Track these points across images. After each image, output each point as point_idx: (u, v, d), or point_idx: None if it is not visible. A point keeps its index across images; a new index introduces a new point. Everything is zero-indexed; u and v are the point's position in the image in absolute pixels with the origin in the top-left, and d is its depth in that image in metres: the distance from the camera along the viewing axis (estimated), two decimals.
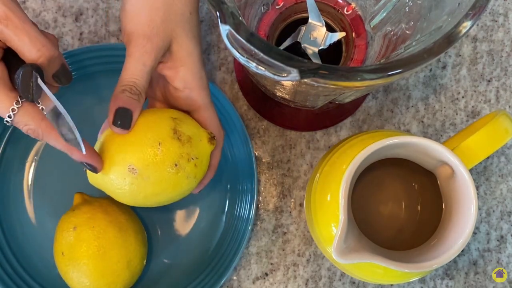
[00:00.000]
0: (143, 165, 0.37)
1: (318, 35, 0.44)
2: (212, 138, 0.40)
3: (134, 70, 0.37)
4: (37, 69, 0.34)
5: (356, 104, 0.52)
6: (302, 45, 0.44)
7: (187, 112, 0.42)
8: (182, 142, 0.37)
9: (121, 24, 0.39)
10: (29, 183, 0.50)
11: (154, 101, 0.44)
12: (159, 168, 0.37)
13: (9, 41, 0.33)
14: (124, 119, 0.37)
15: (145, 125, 0.38)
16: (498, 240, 0.51)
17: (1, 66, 0.34)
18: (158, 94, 0.43)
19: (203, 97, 0.41)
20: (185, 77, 0.40)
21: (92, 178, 0.39)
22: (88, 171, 0.39)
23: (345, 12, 0.45)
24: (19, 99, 0.34)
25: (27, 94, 0.33)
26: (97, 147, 0.39)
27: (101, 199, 0.47)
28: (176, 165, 0.37)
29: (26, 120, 0.35)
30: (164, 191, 0.38)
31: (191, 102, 0.41)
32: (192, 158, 0.38)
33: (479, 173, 0.52)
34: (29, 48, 0.33)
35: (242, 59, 0.29)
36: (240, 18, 0.29)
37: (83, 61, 0.50)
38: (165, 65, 0.39)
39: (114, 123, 0.37)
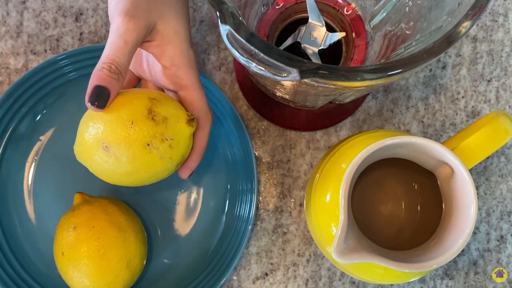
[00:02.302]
0: (115, 143, 0.37)
1: (318, 35, 0.44)
2: (191, 120, 0.39)
3: (115, 47, 0.36)
4: None
5: (356, 104, 0.52)
6: (302, 45, 0.44)
7: (175, 92, 0.41)
8: (156, 122, 0.37)
9: (108, 3, 0.39)
10: (29, 183, 0.50)
11: (145, 81, 0.44)
12: (131, 147, 0.37)
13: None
14: (100, 98, 0.36)
15: (121, 104, 0.37)
16: (498, 240, 0.51)
17: None
18: (147, 72, 0.43)
19: (190, 75, 0.40)
20: (172, 55, 0.39)
21: (78, 154, 0.39)
22: (75, 147, 0.39)
23: (345, 12, 0.45)
24: None
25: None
26: (83, 121, 0.39)
27: (101, 199, 0.47)
28: (148, 144, 0.37)
29: None
30: (138, 170, 0.38)
31: (178, 80, 0.40)
32: (167, 139, 0.38)
33: (479, 173, 0.52)
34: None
35: (242, 59, 0.29)
36: (240, 18, 0.29)
37: (83, 61, 0.50)
38: (152, 43, 0.39)
39: (90, 101, 0.36)
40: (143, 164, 0.38)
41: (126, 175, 0.38)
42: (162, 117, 0.38)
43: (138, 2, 0.37)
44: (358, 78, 0.29)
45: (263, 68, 0.29)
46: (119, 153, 0.37)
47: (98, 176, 0.39)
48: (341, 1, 0.45)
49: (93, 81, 0.36)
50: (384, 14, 0.43)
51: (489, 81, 0.53)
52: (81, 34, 0.52)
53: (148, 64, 0.42)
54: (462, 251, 0.50)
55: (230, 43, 0.29)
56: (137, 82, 0.45)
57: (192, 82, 0.41)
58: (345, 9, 0.45)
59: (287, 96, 0.43)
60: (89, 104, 0.36)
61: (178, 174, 0.42)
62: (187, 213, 0.50)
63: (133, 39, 0.37)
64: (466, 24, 0.30)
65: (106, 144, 0.37)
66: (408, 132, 0.52)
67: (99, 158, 0.37)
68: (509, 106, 0.53)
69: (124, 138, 0.37)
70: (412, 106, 0.52)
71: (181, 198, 0.51)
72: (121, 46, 0.37)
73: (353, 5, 0.45)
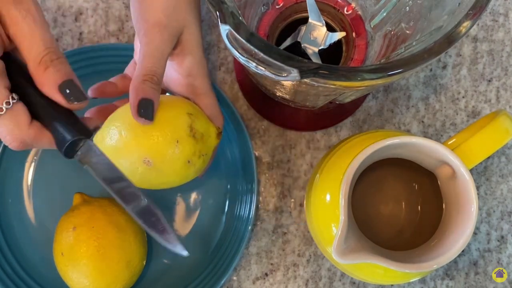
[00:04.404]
0: (158, 160, 0.38)
1: (318, 35, 0.44)
2: (219, 134, 0.41)
3: (154, 59, 0.37)
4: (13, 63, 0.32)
5: (356, 104, 0.52)
6: (302, 45, 0.44)
7: (188, 98, 0.43)
8: (196, 140, 0.39)
9: (133, 15, 0.39)
10: (29, 183, 0.50)
11: None
12: (173, 164, 0.38)
13: (21, 34, 0.31)
14: (147, 110, 0.37)
15: (163, 120, 0.38)
16: (498, 241, 0.51)
17: (0, 63, 0.31)
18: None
19: (205, 84, 0.42)
20: (190, 66, 0.41)
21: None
22: (95, 139, 0.39)
23: (345, 12, 0.45)
24: (11, 100, 0.30)
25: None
26: (114, 124, 0.39)
27: (100, 199, 0.47)
28: (189, 161, 0.39)
29: (12, 127, 0.31)
30: (172, 181, 0.40)
31: (193, 89, 0.42)
32: (203, 155, 0.40)
33: (480, 173, 0.52)
34: (39, 44, 0.31)
35: (242, 59, 0.29)
36: (240, 18, 0.29)
37: (82, 61, 0.50)
38: (173, 51, 0.40)
39: (139, 114, 0.36)
40: (180, 177, 0.40)
41: (158, 184, 0.40)
42: (200, 134, 0.39)
43: (168, 12, 0.38)
44: (358, 78, 0.29)
45: (263, 68, 0.29)
46: (160, 167, 0.38)
47: None
48: (341, 1, 0.45)
49: (137, 95, 0.36)
50: (384, 14, 0.43)
51: (489, 81, 0.53)
52: (80, 34, 0.52)
53: None
54: (463, 251, 0.50)
55: (230, 43, 0.29)
56: None
57: (207, 90, 0.42)
58: (345, 8, 0.45)
59: (287, 96, 0.43)
60: (139, 117, 0.36)
61: None
62: (187, 213, 0.50)
63: (168, 49, 0.38)
64: (467, 24, 0.30)
65: (149, 159, 0.37)
66: (408, 132, 0.52)
67: (135, 169, 0.38)
68: (510, 106, 0.53)
69: (169, 155, 0.38)
70: (413, 106, 0.52)
71: (181, 198, 0.51)
72: (158, 57, 0.37)
73: (353, 4, 0.45)
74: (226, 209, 0.50)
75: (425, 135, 0.52)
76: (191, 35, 0.40)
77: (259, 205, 0.51)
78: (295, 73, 0.29)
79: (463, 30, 0.30)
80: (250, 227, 0.48)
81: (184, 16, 0.39)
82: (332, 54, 0.45)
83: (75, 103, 0.31)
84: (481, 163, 0.45)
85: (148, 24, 0.38)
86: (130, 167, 0.38)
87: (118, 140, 0.38)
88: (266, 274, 0.50)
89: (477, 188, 0.51)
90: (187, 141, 0.38)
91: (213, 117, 0.42)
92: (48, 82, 0.31)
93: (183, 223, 0.50)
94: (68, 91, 0.31)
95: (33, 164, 0.50)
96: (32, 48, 0.31)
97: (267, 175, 0.51)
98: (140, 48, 0.38)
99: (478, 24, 0.53)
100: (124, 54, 0.49)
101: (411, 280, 0.45)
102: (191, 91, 0.42)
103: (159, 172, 0.38)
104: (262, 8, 0.45)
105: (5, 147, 0.49)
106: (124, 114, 0.39)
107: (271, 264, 0.51)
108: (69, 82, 0.31)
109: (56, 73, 0.31)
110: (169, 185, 0.40)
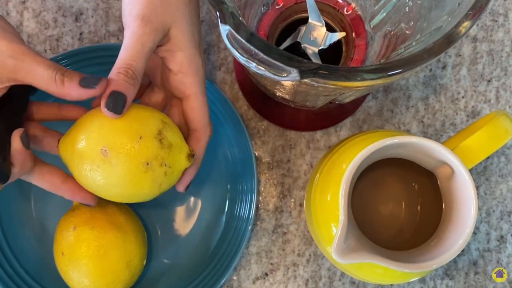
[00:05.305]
0: (116, 151, 0.36)
1: (318, 35, 0.44)
2: (190, 156, 0.39)
3: (132, 51, 0.36)
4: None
5: (356, 104, 0.52)
6: (302, 45, 0.44)
7: (179, 100, 0.41)
8: (162, 146, 0.37)
9: (122, 8, 0.39)
10: (29, 182, 0.50)
11: (153, 86, 0.43)
12: (129, 160, 0.36)
13: (27, 76, 0.36)
14: (116, 103, 0.36)
15: (133, 116, 0.37)
16: (498, 240, 0.51)
17: None
18: (157, 78, 0.42)
19: (196, 84, 0.40)
20: (180, 62, 0.39)
21: (63, 149, 0.39)
22: (61, 140, 0.39)
23: (345, 12, 0.45)
24: None
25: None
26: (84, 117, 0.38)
27: (101, 199, 0.47)
28: (147, 164, 0.36)
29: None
30: (124, 185, 0.37)
31: (183, 87, 0.40)
32: (165, 165, 0.37)
33: (479, 173, 0.52)
34: (44, 70, 0.36)
35: (242, 59, 0.29)
36: (240, 18, 0.29)
37: (83, 61, 0.50)
38: (162, 48, 0.39)
39: (107, 106, 0.35)
40: (133, 181, 0.37)
41: (109, 187, 0.37)
42: (168, 143, 0.37)
43: (154, 6, 0.37)
44: (358, 78, 0.29)
45: (263, 68, 0.29)
46: (115, 161, 0.36)
47: (77, 178, 0.38)
48: (341, 1, 0.45)
49: (109, 87, 0.36)
50: (384, 14, 0.43)
51: (489, 81, 0.53)
52: (81, 34, 0.52)
53: (158, 68, 0.42)
54: (462, 251, 0.50)
55: (230, 43, 0.29)
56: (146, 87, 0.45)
57: (196, 91, 0.40)
58: (345, 9, 0.45)
59: (287, 96, 0.43)
60: (106, 109, 0.36)
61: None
62: (187, 213, 0.50)
63: (150, 43, 0.37)
64: (466, 24, 0.30)
65: (106, 148, 0.36)
66: (408, 132, 0.52)
67: (90, 161, 0.36)
68: (509, 106, 0.53)
69: (128, 149, 0.36)
70: (412, 106, 0.52)
71: (181, 198, 0.51)
72: (138, 49, 0.36)
73: (353, 5, 0.45)
74: (226, 209, 0.50)
75: (425, 135, 0.52)
76: (179, 31, 0.39)
77: (259, 205, 0.51)
78: (295, 73, 0.29)
79: (463, 30, 0.30)
80: (250, 227, 0.48)
81: (172, 12, 0.38)
82: (332, 54, 0.45)
83: (96, 87, 0.36)
84: (480, 163, 0.45)
85: (131, 17, 0.37)
86: (85, 158, 0.36)
87: (81, 127, 0.37)
88: (266, 274, 0.51)
89: (477, 188, 0.52)
90: (151, 142, 0.36)
91: (199, 124, 0.41)
92: (72, 90, 0.36)
93: (183, 223, 0.50)
94: (87, 84, 0.36)
95: None
96: (42, 77, 0.36)
97: (267, 175, 0.52)
98: (123, 41, 0.37)
99: (477, 24, 0.53)
100: None
101: (411, 280, 0.45)
102: (181, 90, 0.40)
103: (113, 167, 0.36)
104: (262, 8, 0.45)
105: None
106: (96, 110, 0.38)
107: (271, 264, 0.51)
108: (83, 79, 0.36)
109: (72, 80, 0.36)
110: (120, 192, 0.37)
